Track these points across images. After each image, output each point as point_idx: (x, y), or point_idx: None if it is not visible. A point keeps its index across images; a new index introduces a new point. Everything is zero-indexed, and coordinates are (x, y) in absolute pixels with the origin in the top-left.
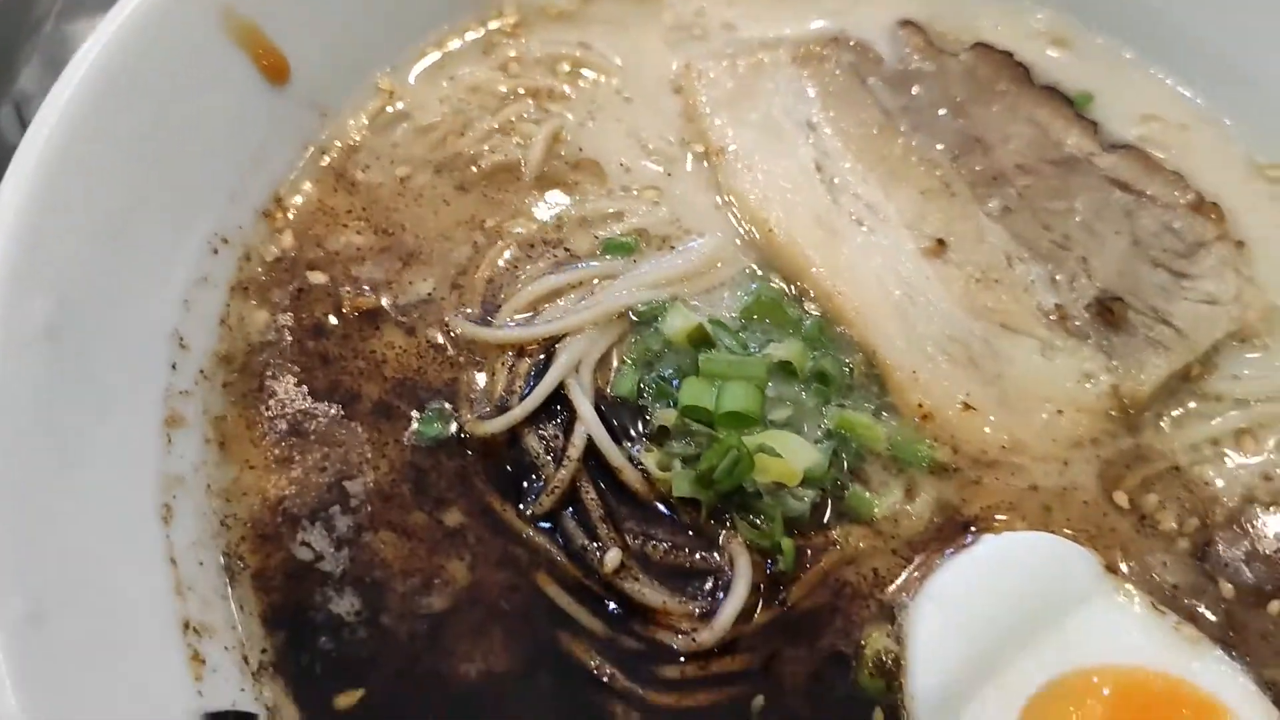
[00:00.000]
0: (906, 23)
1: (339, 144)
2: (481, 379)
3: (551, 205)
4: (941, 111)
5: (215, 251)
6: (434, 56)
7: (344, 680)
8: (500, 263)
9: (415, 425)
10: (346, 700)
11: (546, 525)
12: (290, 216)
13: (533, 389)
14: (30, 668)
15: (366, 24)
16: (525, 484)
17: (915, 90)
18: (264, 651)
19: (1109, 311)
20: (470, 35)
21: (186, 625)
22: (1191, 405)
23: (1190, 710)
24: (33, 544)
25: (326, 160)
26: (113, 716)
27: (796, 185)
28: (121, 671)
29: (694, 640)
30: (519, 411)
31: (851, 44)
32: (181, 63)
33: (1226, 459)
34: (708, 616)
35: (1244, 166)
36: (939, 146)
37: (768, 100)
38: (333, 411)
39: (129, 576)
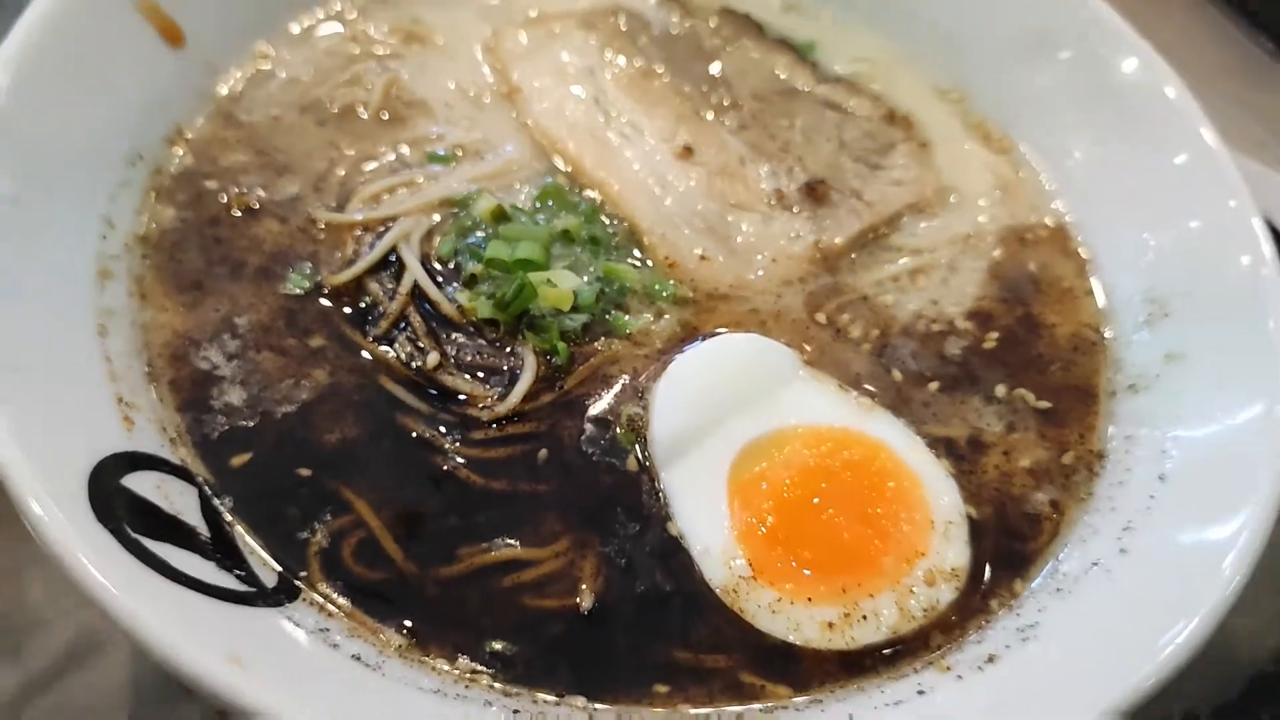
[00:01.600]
0: None
1: (225, 93)
2: (337, 249)
3: (390, 132)
4: (694, 60)
5: (133, 164)
6: (302, 25)
7: (237, 446)
8: (349, 171)
9: (287, 280)
10: (239, 460)
11: (386, 343)
12: (190, 143)
13: (373, 249)
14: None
15: (248, 4)
16: (369, 316)
17: (675, 46)
18: (177, 427)
19: (814, 190)
20: (329, 10)
21: (119, 400)
22: (879, 254)
23: (860, 449)
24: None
25: (216, 106)
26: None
27: (577, 113)
28: (74, 405)
29: (493, 410)
30: (362, 264)
31: (625, 13)
32: (102, 31)
33: (903, 291)
34: (504, 396)
35: (932, 92)
36: (691, 85)
37: (557, 55)
38: (225, 274)
39: (79, 357)
